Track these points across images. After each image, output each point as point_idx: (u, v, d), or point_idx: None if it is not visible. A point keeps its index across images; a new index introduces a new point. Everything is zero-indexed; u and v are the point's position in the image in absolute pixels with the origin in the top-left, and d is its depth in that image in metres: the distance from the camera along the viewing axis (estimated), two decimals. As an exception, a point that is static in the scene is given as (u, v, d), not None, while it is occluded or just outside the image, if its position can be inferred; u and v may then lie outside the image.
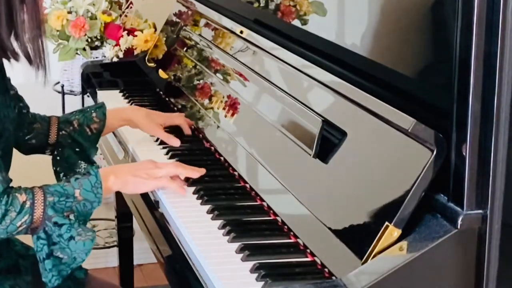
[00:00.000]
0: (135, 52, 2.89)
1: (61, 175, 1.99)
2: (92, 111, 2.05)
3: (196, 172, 1.86)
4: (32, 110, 2.02)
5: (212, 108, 2.17)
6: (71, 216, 1.65)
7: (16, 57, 1.72)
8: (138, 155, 2.09)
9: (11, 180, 1.66)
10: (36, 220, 1.62)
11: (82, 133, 2.02)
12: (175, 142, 2.11)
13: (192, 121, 2.23)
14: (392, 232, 1.38)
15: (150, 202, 1.91)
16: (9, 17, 1.66)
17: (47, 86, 2.89)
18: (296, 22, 1.98)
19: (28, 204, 1.62)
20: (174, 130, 2.19)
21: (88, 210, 1.68)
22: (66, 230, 1.63)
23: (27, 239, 1.90)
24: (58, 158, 2.00)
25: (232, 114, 2.05)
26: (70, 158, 2.00)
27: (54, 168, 1.99)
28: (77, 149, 2.01)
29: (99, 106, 2.08)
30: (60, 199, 1.64)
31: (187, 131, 2.19)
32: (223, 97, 2.14)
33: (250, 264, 1.51)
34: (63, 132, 2.00)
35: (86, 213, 1.68)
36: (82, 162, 2.01)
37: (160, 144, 2.15)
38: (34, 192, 1.64)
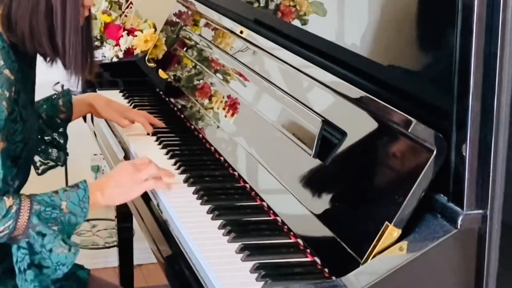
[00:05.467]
0: (135, 52, 2.89)
1: (36, 162, 2.03)
2: (59, 100, 2.10)
3: (171, 177, 1.85)
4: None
5: (212, 108, 2.17)
6: (55, 228, 1.63)
7: (52, 57, 1.75)
8: (138, 155, 2.09)
9: (8, 191, 1.66)
10: (20, 227, 1.61)
11: (52, 124, 2.06)
12: (125, 123, 2.20)
13: (157, 120, 2.25)
14: (392, 232, 1.38)
15: (150, 202, 1.91)
16: (48, 17, 1.68)
17: (47, 86, 2.88)
18: (296, 22, 1.98)
19: (14, 209, 1.60)
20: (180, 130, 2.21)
21: (72, 225, 1.66)
22: (49, 241, 1.61)
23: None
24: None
25: (232, 114, 2.05)
26: (41, 146, 2.04)
27: None
28: (46, 138, 2.05)
29: (65, 93, 2.13)
30: (47, 209, 1.63)
31: (148, 129, 2.22)
32: (223, 97, 2.14)
33: (250, 264, 1.51)
34: None
35: (70, 228, 1.66)
36: (53, 150, 2.05)
37: (159, 144, 2.15)
38: (21, 199, 1.62)
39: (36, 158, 2.04)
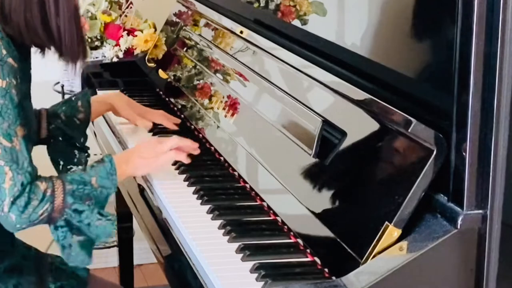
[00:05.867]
0: (135, 52, 2.89)
1: (60, 163, 2.04)
2: (78, 101, 2.10)
3: (195, 147, 1.93)
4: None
5: (212, 108, 2.17)
6: (89, 203, 1.69)
7: (48, 46, 1.77)
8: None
9: (39, 176, 1.69)
10: (57, 208, 1.65)
11: (70, 124, 2.06)
12: (147, 124, 2.21)
13: (176, 118, 2.27)
14: (392, 232, 1.38)
15: (150, 202, 1.91)
16: (41, 7, 1.70)
17: (47, 86, 2.88)
18: (296, 22, 1.98)
19: (49, 192, 1.65)
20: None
21: (105, 197, 1.72)
22: (86, 216, 1.67)
23: (27, 239, 1.91)
24: (52, 148, 2.04)
25: (232, 114, 2.05)
26: (64, 149, 2.05)
27: (50, 156, 2.03)
28: (67, 139, 2.05)
29: (84, 94, 2.14)
30: (78, 187, 1.68)
31: (172, 127, 2.24)
32: (223, 97, 2.14)
33: (250, 264, 1.51)
34: (53, 126, 2.03)
35: (103, 200, 1.72)
36: (76, 151, 2.05)
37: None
38: (53, 181, 1.67)
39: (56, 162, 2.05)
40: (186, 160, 1.90)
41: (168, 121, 2.24)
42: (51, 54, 1.81)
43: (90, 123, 2.59)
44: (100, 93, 2.65)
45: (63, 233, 1.67)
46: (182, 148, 1.90)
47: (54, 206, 1.65)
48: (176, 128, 2.23)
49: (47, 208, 1.64)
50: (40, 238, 2.21)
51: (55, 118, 2.04)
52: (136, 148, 1.89)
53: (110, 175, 1.73)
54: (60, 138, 2.04)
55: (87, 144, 2.08)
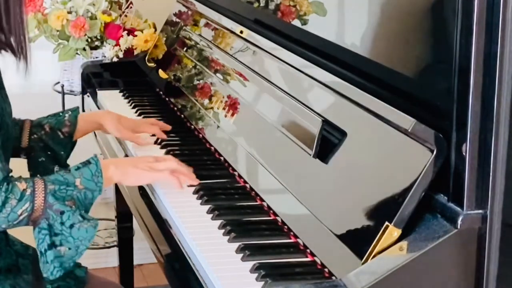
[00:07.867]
0: (135, 52, 2.89)
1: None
2: (66, 114, 2.05)
3: (192, 179, 1.87)
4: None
5: (212, 108, 2.17)
6: (72, 205, 1.65)
7: (3, 48, 1.74)
8: (138, 155, 2.09)
9: (11, 170, 1.67)
10: (37, 208, 1.62)
11: (54, 137, 2.01)
12: (142, 141, 2.13)
13: (168, 125, 2.21)
14: (392, 232, 1.38)
15: (150, 202, 1.91)
16: None
17: (47, 86, 2.87)
18: (296, 22, 1.98)
19: (28, 191, 1.62)
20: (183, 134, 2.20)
21: (89, 200, 1.69)
22: (68, 217, 1.63)
23: (26, 239, 1.90)
24: (32, 161, 1.99)
25: (232, 114, 2.05)
26: (43, 162, 2.00)
27: (29, 172, 1.99)
28: (49, 153, 2.00)
29: (73, 109, 2.08)
30: (61, 187, 1.65)
31: (163, 137, 2.17)
32: (223, 97, 2.14)
33: (250, 264, 1.51)
34: (35, 136, 1.99)
35: (87, 203, 1.69)
36: (56, 166, 1.99)
37: (159, 144, 2.15)
38: (34, 181, 1.64)
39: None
40: (179, 187, 1.84)
41: (161, 132, 2.17)
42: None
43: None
44: (100, 93, 2.65)
45: (42, 236, 1.63)
46: (178, 172, 1.84)
47: (34, 205, 1.62)
48: (165, 136, 2.17)
49: (26, 208, 1.61)
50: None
51: (39, 128, 2.00)
52: (132, 158, 1.86)
53: (96, 177, 1.69)
54: (41, 150, 1.98)
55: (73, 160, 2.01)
